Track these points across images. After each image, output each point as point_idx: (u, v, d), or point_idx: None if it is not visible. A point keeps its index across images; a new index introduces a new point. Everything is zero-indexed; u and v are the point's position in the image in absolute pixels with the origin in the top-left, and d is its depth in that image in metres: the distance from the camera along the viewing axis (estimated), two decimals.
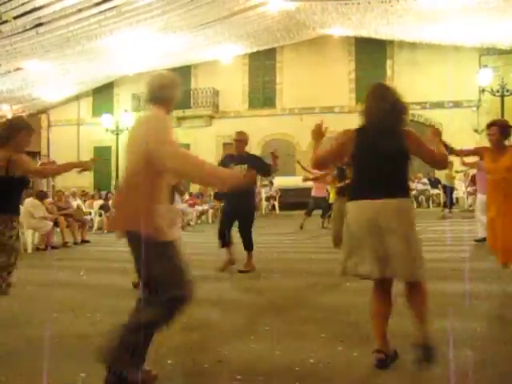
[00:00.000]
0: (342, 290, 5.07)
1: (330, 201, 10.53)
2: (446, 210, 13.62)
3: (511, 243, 4.67)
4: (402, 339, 3.00)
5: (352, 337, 3.50)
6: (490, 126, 4.94)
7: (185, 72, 21.95)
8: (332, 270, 6.27)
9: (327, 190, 10.77)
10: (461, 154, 5.27)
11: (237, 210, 6.05)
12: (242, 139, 6.19)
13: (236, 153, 6.10)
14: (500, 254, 4.83)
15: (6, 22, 10.45)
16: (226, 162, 5.97)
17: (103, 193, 17.25)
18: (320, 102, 20.30)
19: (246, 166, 5.73)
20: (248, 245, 6.18)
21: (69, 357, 3.27)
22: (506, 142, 4.89)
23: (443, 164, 3.15)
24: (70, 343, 3.55)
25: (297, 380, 2.81)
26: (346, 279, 5.54)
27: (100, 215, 13.88)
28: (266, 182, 18.27)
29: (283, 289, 5.28)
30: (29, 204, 9.15)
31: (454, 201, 14.57)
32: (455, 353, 2.89)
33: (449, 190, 13.84)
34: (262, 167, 5.92)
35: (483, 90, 16.14)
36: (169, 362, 3.13)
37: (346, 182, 6.63)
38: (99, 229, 13.62)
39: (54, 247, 9.55)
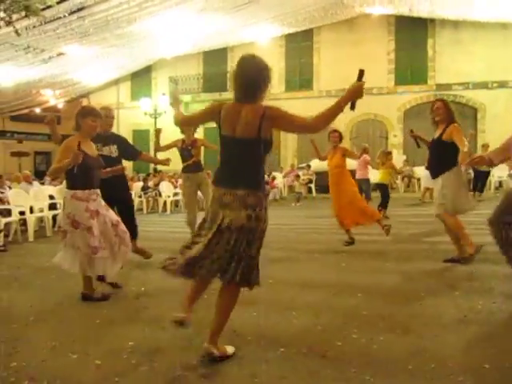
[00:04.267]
0: (385, 271, 5.07)
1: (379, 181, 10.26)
2: (477, 194, 13.19)
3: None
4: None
5: (395, 316, 3.51)
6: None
7: (221, 54, 22.04)
8: (368, 250, 6.27)
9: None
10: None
11: (113, 198, 5.06)
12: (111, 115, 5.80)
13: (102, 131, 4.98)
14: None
15: (49, 7, 10.66)
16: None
17: (141, 175, 17.65)
18: None
19: (115, 146, 5.38)
20: (134, 231, 5.48)
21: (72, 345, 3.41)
22: None
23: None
24: (74, 331, 3.69)
25: (339, 353, 2.86)
26: (386, 259, 5.55)
27: (140, 196, 14.22)
28: (304, 165, 18.16)
29: (322, 270, 5.32)
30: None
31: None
32: None
33: (482, 175, 13.35)
34: (129, 150, 5.57)
35: None
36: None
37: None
38: (139, 209, 13.97)
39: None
